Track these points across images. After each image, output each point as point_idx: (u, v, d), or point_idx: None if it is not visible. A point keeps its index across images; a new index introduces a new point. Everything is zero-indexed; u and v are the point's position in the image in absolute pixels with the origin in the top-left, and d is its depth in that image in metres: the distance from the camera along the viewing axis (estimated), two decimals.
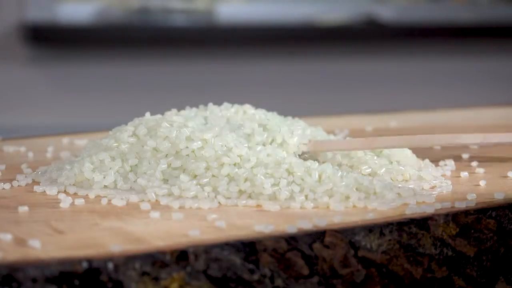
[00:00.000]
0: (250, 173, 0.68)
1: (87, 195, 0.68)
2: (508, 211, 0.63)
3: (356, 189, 0.67)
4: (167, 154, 0.70)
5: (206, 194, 0.67)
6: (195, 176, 0.68)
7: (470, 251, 0.62)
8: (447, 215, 0.62)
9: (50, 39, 2.07)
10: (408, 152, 0.78)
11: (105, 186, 0.69)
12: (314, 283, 0.57)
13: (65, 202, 0.65)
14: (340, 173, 0.68)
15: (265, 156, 0.70)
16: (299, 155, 0.74)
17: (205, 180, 0.68)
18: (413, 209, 0.63)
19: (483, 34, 2.31)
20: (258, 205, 0.66)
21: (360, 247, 0.59)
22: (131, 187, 0.69)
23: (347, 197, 0.66)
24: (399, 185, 0.69)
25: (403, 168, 0.74)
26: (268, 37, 2.18)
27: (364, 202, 0.65)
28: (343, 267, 0.58)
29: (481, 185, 0.72)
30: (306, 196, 0.66)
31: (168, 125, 0.72)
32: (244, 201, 0.66)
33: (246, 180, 0.67)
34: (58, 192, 0.69)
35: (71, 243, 0.56)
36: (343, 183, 0.67)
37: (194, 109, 0.81)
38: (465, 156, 0.84)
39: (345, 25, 2.23)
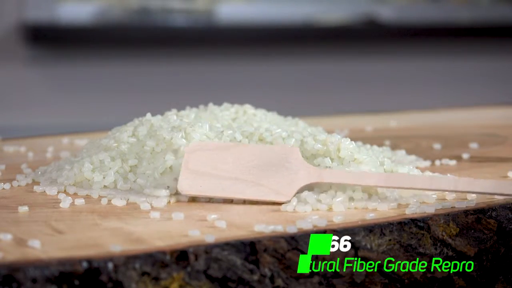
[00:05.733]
0: None
1: (87, 195, 0.68)
2: (508, 211, 0.63)
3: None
4: (166, 155, 0.70)
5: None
6: None
7: (470, 251, 0.62)
8: (447, 215, 0.62)
9: (50, 39, 2.07)
10: None
11: (105, 186, 0.69)
12: (314, 283, 0.57)
13: (65, 202, 0.65)
14: None
15: None
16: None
17: None
18: (413, 209, 0.63)
19: (483, 34, 2.31)
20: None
21: (360, 247, 0.59)
22: (131, 187, 0.69)
23: (348, 197, 0.66)
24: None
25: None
26: (268, 37, 2.18)
27: (365, 203, 0.65)
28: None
29: None
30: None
31: (167, 126, 0.72)
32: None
33: None
34: (58, 192, 0.69)
35: (71, 243, 0.56)
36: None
37: (194, 109, 0.81)
38: (465, 156, 0.84)
39: (345, 25, 2.22)
